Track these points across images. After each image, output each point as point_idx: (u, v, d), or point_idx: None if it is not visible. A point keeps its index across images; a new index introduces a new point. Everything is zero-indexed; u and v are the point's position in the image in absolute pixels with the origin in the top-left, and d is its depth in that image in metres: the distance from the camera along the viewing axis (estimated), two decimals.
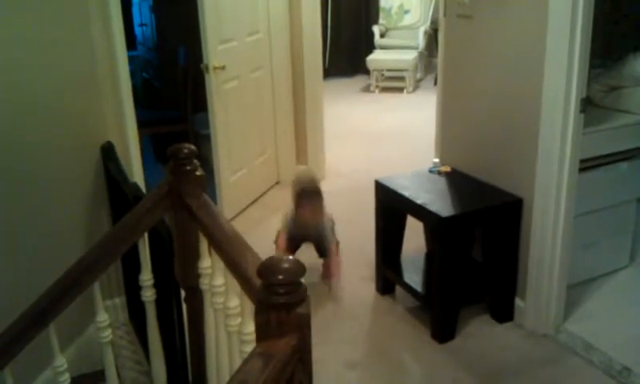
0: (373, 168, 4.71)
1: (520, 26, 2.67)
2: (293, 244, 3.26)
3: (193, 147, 1.82)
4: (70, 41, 2.67)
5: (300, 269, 1.12)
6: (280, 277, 1.09)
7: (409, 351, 2.80)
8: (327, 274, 3.33)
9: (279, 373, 1.04)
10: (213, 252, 1.62)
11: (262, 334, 1.11)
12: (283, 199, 4.45)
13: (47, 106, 2.54)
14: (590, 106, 2.76)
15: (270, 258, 1.14)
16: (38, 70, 2.48)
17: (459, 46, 3.11)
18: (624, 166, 3.04)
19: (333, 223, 3.32)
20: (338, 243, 3.32)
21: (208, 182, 4.35)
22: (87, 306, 1.90)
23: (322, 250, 3.30)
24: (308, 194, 3.15)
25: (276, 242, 3.25)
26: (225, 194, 4.05)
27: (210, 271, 1.68)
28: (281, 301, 1.09)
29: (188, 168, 1.80)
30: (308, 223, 3.16)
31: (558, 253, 2.70)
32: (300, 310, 1.11)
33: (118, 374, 2.59)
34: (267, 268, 1.11)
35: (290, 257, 1.14)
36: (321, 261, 3.35)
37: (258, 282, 1.13)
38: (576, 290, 3.01)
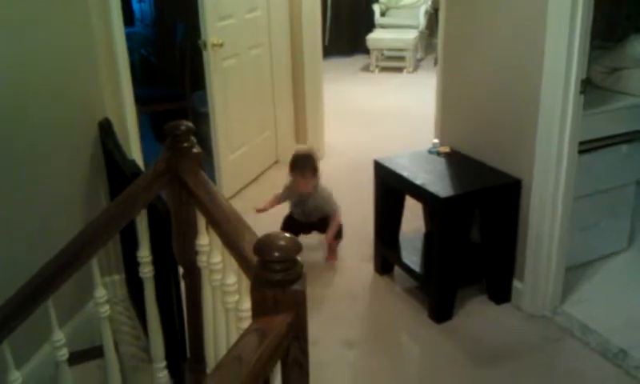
0: (372, 148, 4.68)
1: (520, 5, 2.65)
2: (293, 232, 3.26)
3: (190, 124, 1.81)
4: (67, 17, 2.65)
5: (296, 246, 1.12)
6: (276, 254, 1.09)
7: (406, 331, 2.81)
8: (331, 254, 3.37)
9: (274, 349, 1.05)
10: (210, 229, 1.61)
11: (257, 310, 1.11)
12: (282, 178, 4.44)
13: (44, 83, 2.52)
14: (590, 88, 2.75)
15: (267, 235, 1.13)
16: (35, 47, 2.46)
17: (459, 26, 3.08)
18: (624, 148, 3.02)
19: (330, 193, 3.33)
20: (338, 208, 3.33)
21: (207, 161, 4.35)
22: (86, 281, 1.90)
23: (323, 224, 3.31)
24: (300, 159, 3.24)
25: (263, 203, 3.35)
26: (223, 173, 4.04)
27: (207, 248, 1.68)
28: (277, 278, 1.09)
29: (185, 145, 1.79)
30: (300, 188, 3.21)
31: (557, 235, 2.70)
32: (296, 287, 1.10)
33: (117, 350, 2.61)
34: (263, 245, 1.11)
35: (287, 234, 1.13)
36: (323, 241, 3.36)
37: (254, 259, 1.13)
38: (574, 273, 3.01)
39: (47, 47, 2.53)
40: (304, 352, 1.15)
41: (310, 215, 3.30)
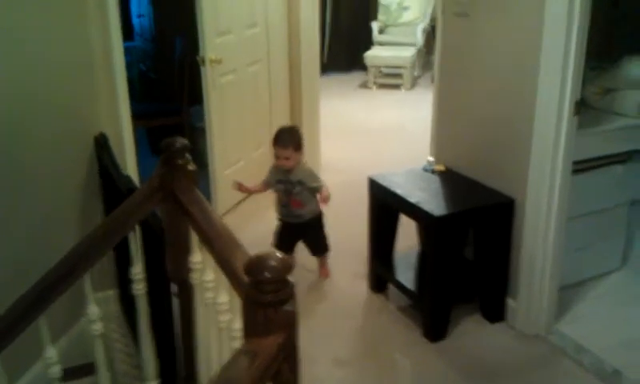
0: (368, 164, 4.69)
1: (516, 25, 2.67)
2: (287, 243, 3.24)
3: (185, 141, 1.82)
4: (65, 31, 2.66)
5: (288, 266, 1.12)
6: (267, 274, 1.09)
7: (399, 350, 2.80)
8: (322, 271, 3.37)
9: (264, 371, 1.05)
10: (203, 247, 1.61)
11: (248, 331, 1.11)
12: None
13: (40, 97, 2.52)
14: (584, 108, 2.76)
15: (258, 255, 1.13)
16: (32, 60, 2.47)
17: (455, 45, 3.10)
18: (618, 168, 3.04)
19: (312, 169, 3.30)
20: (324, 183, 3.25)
21: (203, 175, 4.35)
22: (80, 297, 1.89)
23: (316, 243, 3.32)
24: (283, 132, 3.20)
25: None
26: (219, 188, 4.05)
27: (200, 266, 1.68)
28: (268, 298, 1.09)
29: (180, 162, 1.79)
30: (282, 163, 3.12)
31: (550, 254, 2.70)
32: (287, 307, 1.11)
33: (110, 367, 2.59)
34: (254, 265, 1.11)
35: (279, 254, 1.14)
36: (315, 261, 3.36)
37: (245, 278, 1.13)
38: (568, 292, 3.01)
39: (44, 60, 2.54)
40: (295, 373, 1.15)
41: (297, 205, 3.18)
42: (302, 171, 3.18)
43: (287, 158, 3.11)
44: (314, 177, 3.20)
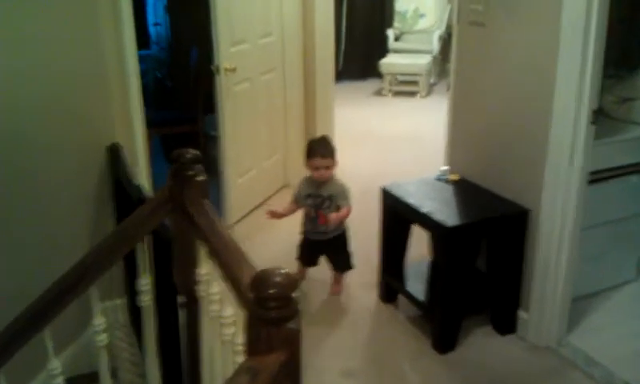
0: (382, 173, 4.68)
1: (533, 34, 2.65)
2: (309, 257, 3.25)
3: (196, 152, 1.81)
4: (78, 40, 2.67)
5: (292, 283, 1.11)
6: (271, 291, 1.08)
7: (408, 361, 2.78)
8: (335, 287, 3.31)
9: None
10: (210, 259, 1.61)
11: (251, 348, 1.10)
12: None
13: (53, 106, 2.54)
14: (601, 117, 2.73)
15: (263, 271, 1.13)
16: (45, 69, 2.48)
17: (471, 53, 3.08)
18: (634, 178, 3.00)
19: (345, 188, 3.17)
20: (351, 205, 3.15)
21: (215, 183, 4.36)
22: (89, 305, 1.89)
23: (340, 260, 3.25)
24: (320, 142, 3.15)
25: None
26: (231, 197, 4.05)
27: (207, 278, 1.68)
28: (271, 315, 1.08)
29: (190, 173, 1.79)
30: (321, 173, 3.05)
31: (564, 266, 2.67)
32: (290, 325, 1.09)
33: (116, 376, 2.60)
34: (259, 281, 1.10)
35: (284, 270, 1.13)
36: (331, 276, 3.32)
37: (250, 293, 1.12)
38: (581, 303, 2.97)
39: (56, 69, 2.54)
40: None
41: (324, 222, 3.07)
42: (334, 186, 3.12)
43: (328, 167, 3.07)
44: (344, 194, 3.13)
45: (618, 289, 3.16)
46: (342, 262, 3.27)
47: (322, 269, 3.36)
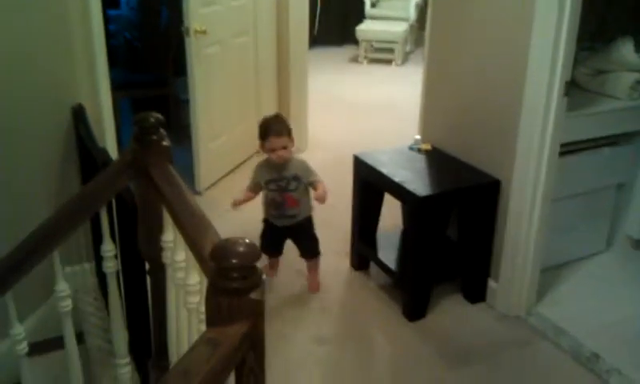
0: (356, 141, 4.65)
1: (508, 5, 2.61)
2: (273, 238, 2.99)
3: (159, 116, 1.75)
4: None
5: (255, 253, 1.07)
6: (233, 261, 1.05)
7: (379, 328, 2.79)
8: (312, 284, 3.05)
9: (226, 361, 1.01)
10: (175, 226, 1.56)
11: (212, 319, 1.07)
12: None
13: (15, 65, 2.44)
14: (574, 89, 2.72)
15: (225, 241, 1.09)
16: (6, 27, 2.38)
17: (446, 22, 3.04)
18: (606, 151, 3.01)
19: (307, 163, 2.96)
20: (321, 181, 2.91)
21: (186, 149, 4.28)
22: None
23: (308, 244, 3.01)
24: (273, 121, 2.85)
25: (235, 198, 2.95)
26: (203, 161, 3.99)
27: (172, 245, 1.63)
28: (233, 286, 1.05)
29: (154, 138, 1.73)
30: (279, 154, 2.78)
31: (534, 236, 2.68)
32: (253, 296, 1.06)
33: (84, 341, 2.56)
34: (220, 251, 1.06)
35: (247, 240, 1.09)
36: (305, 268, 3.09)
37: (211, 264, 1.09)
38: (550, 274, 3.01)
39: (19, 26, 2.44)
40: (260, 362, 1.11)
41: (293, 204, 2.87)
42: (297, 164, 2.88)
43: (284, 147, 2.79)
44: (310, 170, 2.89)
45: (588, 260, 3.20)
46: (310, 246, 3.02)
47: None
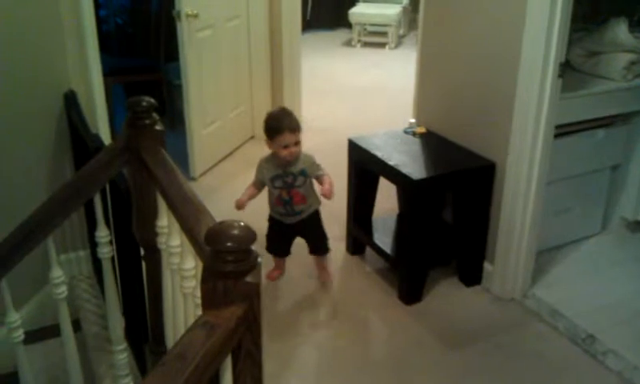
0: (351, 125, 4.64)
1: None
2: (281, 237, 2.87)
3: (152, 100, 1.74)
4: None
5: (251, 235, 1.07)
6: (228, 244, 1.04)
7: (375, 312, 2.79)
8: (323, 274, 2.97)
9: (223, 344, 1.00)
10: (169, 211, 1.56)
11: (208, 302, 1.06)
12: (258, 153, 4.36)
13: (6, 52, 2.42)
14: (568, 71, 2.71)
15: (220, 224, 1.08)
16: None
17: (439, 5, 3.02)
18: (600, 133, 3.01)
19: (313, 157, 2.81)
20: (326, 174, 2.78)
21: (180, 134, 4.26)
22: None
23: (318, 239, 2.89)
24: (285, 116, 2.68)
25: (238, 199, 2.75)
26: (197, 147, 3.97)
27: (166, 230, 1.62)
28: (228, 269, 1.04)
29: (147, 122, 1.72)
30: (292, 150, 2.63)
31: (529, 218, 2.68)
32: (249, 278, 1.06)
33: (80, 328, 2.56)
34: (215, 234, 1.06)
35: (242, 223, 1.08)
36: (313, 262, 3.00)
37: (207, 247, 1.08)
38: (546, 256, 3.01)
39: (7, 14, 2.42)
40: (257, 344, 1.11)
41: (301, 201, 2.75)
42: (304, 159, 2.72)
43: (297, 143, 2.65)
44: (317, 164, 2.75)
45: (583, 242, 3.20)
46: (320, 241, 2.90)
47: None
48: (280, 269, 3.00)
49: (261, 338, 1.12)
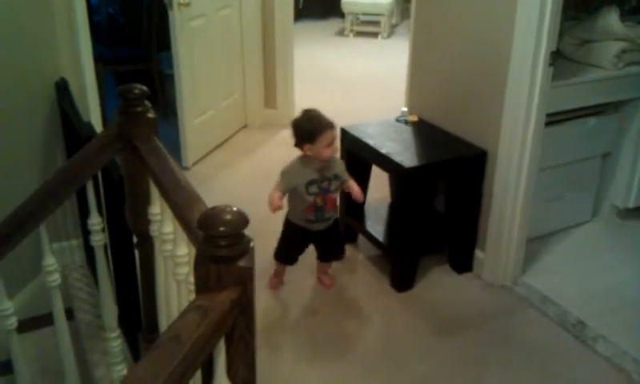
0: (343, 114, 4.57)
1: None
2: (299, 244, 2.73)
3: (144, 88, 1.74)
4: None
5: (243, 220, 1.07)
6: (221, 228, 1.04)
7: (367, 299, 2.81)
8: (326, 280, 2.88)
9: (216, 327, 1.01)
10: (162, 198, 1.56)
11: (201, 286, 1.07)
12: (251, 143, 4.38)
13: None
14: (560, 59, 2.72)
15: (212, 208, 1.09)
16: None
17: None
18: (591, 121, 3.03)
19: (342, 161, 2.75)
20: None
21: (173, 123, 4.25)
22: None
23: (335, 246, 2.79)
24: (321, 116, 2.54)
25: (270, 201, 2.52)
26: (189, 137, 3.96)
27: (159, 218, 1.63)
28: (221, 253, 1.05)
29: (139, 110, 1.72)
30: (331, 150, 2.51)
31: (520, 206, 2.70)
32: (242, 263, 1.07)
33: (73, 317, 2.56)
34: (208, 219, 1.06)
35: (235, 208, 1.09)
36: (320, 267, 2.89)
37: (199, 232, 1.09)
38: (536, 243, 3.04)
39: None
40: (250, 328, 1.12)
41: (333, 207, 2.64)
42: (337, 162, 2.62)
43: (335, 143, 2.54)
44: (345, 169, 2.66)
45: (574, 229, 3.23)
46: (339, 247, 2.82)
47: None
48: (281, 277, 2.88)
49: (254, 323, 1.13)
